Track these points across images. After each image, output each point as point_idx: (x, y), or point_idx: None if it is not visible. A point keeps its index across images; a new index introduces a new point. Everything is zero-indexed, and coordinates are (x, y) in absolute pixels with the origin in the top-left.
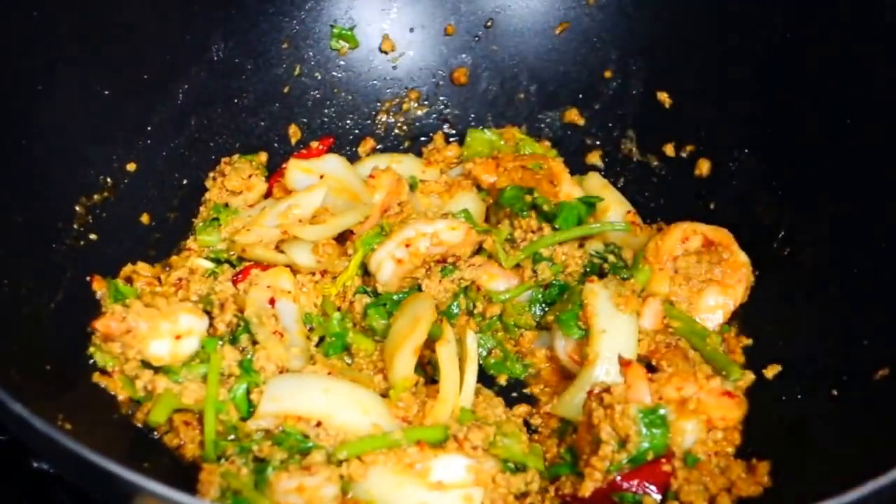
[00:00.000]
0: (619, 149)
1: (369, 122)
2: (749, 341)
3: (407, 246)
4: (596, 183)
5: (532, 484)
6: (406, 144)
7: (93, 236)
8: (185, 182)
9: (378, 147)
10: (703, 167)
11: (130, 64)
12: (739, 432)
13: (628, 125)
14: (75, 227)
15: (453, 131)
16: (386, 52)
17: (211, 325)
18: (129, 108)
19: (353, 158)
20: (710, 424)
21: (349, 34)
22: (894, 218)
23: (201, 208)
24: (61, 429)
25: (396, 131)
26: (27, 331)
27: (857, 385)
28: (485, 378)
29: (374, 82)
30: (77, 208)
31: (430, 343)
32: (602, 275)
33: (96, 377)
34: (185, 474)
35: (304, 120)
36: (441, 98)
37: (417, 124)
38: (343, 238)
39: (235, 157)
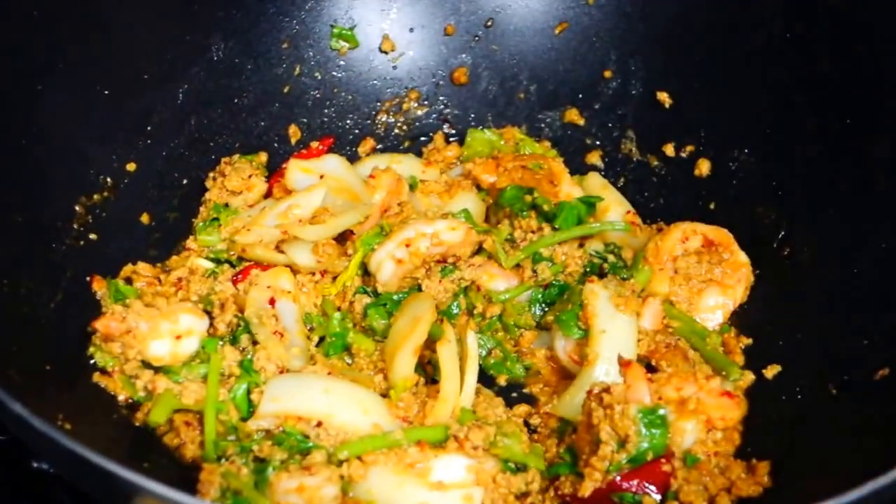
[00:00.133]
0: (619, 149)
1: (369, 122)
2: (749, 341)
3: (407, 246)
4: (596, 183)
5: (532, 484)
6: (406, 144)
7: (93, 236)
8: (185, 182)
9: (378, 147)
10: (703, 167)
11: (131, 64)
12: (739, 432)
13: (628, 125)
14: (75, 226)
15: (453, 131)
16: (386, 52)
17: (211, 325)
18: (129, 108)
19: (353, 158)
20: (709, 424)
21: (349, 34)
22: (894, 218)
23: (201, 208)
24: (61, 429)
25: (396, 131)
26: (27, 331)
27: (857, 385)
28: (484, 378)
29: (374, 82)
30: (77, 208)
31: (431, 343)
32: (602, 275)
33: (96, 377)
34: (185, 474)
35: (304, 120)
36: (441, 98)
37: (417, 124)
38: (343, 238)
39: (235, 157)
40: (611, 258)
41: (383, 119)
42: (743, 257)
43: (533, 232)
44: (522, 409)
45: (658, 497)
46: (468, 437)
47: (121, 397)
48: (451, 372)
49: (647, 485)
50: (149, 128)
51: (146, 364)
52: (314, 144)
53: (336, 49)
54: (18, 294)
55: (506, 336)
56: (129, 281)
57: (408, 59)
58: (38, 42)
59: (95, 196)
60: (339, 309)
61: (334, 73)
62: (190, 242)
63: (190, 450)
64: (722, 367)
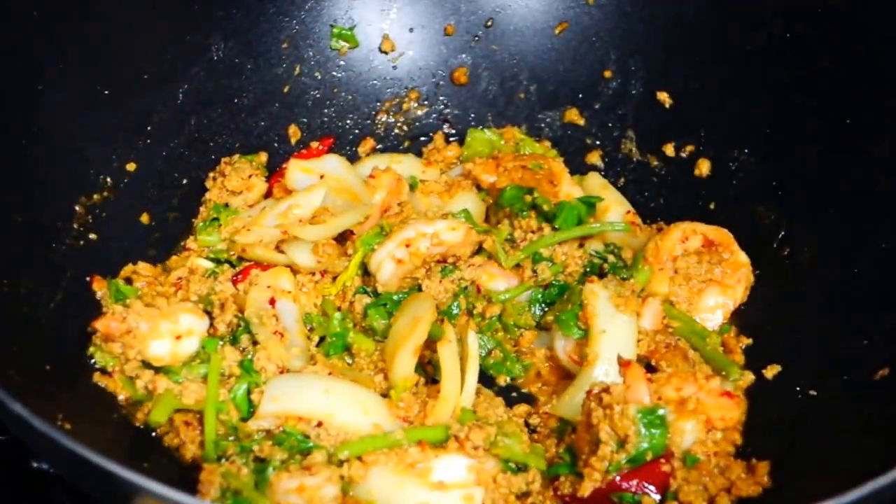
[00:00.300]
0: (619, 149)
1: (369, 121)
2: (749, 341)
3: (407, 246)
4: (596, 183)
5: (533, 484)
6: (406, 144)
7: (93, 236)
8: (184, 182)
9: (378, 147)
10: (703, 167)
11: (130, 64)
12: (739, 432)
13: (628, 125)
14: (75, 226)
15: (453, 131)
16: (386, 52)
17: (211, 325)
18: (129, 108)
19: (353, 158)
20: (709, 425)
21: (349, 34)
22: (894, 218)
23: (201, 208)
24: (61, 429)
25: (396, 131)
26: (27, 331)
27: (857, 385)
28: (484, 378)
29: (374, 82)
30: (77, 208)
31: (431, 343)
32: (602, 275)
33: (96, 377)
34: (185, 474)
35: (304, 120)
36: (441, 98)
37: (417, 124)
38: (343, 238)
39: (236, 157)
40: (611, 258)
41: (383, 119)
42: (743, 257)
43: (533, 232)
44: (523, 408)
45: (657, 497)
46: (469, 437)
47: (121, 397)
48: (452, 372)
49: (646, 485)
50: (149, 128)
51: (146, 364)
52: (314, 144)
53: (336, 49)
54: (18, 294)
55: (506, 336)
56: (129, 281)
57: (408, 59)
58: (38, 42)
59: (95, 196)
60: (339, 309)
61: (334, 73)
62: (190, 242)
63: (190, 450)
64: (722, 367)
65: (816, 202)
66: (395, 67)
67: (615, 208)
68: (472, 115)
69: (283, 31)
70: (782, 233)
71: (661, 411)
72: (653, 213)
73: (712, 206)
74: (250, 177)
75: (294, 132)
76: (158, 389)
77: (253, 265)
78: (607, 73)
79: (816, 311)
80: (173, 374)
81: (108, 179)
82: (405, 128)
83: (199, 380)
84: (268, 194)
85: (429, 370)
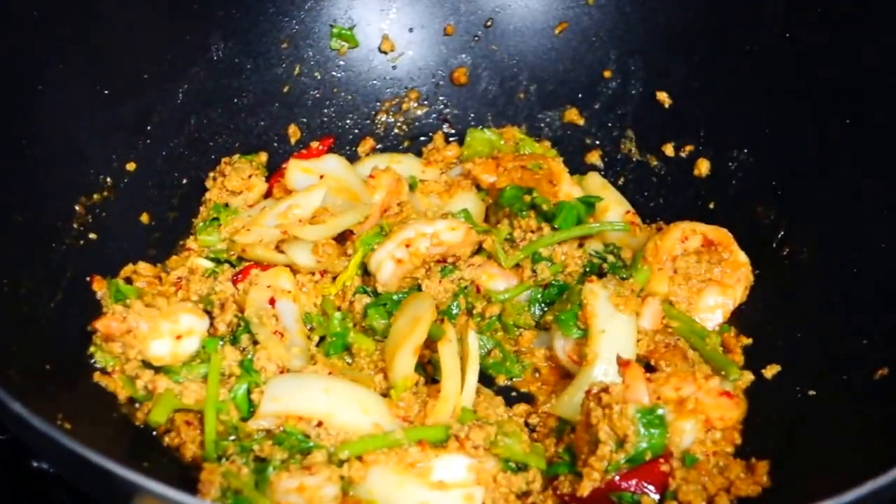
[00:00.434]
0: (618, 149)
1: (369, 121)
2: (749, 341)
3: (407, 246)
4: (595, 183)
5: (533, 483)
6: (406, 144)
7: (93, 236)
8: (184, 182)
9: (378, 147)
10: (703, 167)
11: (130, 64)
12: (738, 432)
13: (628, 125)
14: (75, 226)
15: (453, 131)
16: (385, 52)
17: (211, 325)
18: (129, 108)
19: (352, 158)
20: (708, 424)
21: (349, 34)
22: (894, 218)
23: (201, 208)
24: (61, 429)
25: (396, 131)
26: (27, 331)
27: (857, 385)
28: (483, 378)
29: (374, 82)
30: (77, 208)
31: (430, 343)
32: (601, 275)
33: (97, 377)
34: (185, 474)
35: (304, 120)
36: (441, 98)
37: (417, 124)
38: (343, 238)
39: (236, 157)
40: (610, 258)
41: (383, 119)
42: (742, 257)
43: (532, 232)
44: (522, 408)
45: (656, 497)
46: (469, 437)
47: (121, 397)
48: (453, 371)
49: (645, 484)
50: (149, 128)
51: (147, 364)
52: (314, 144)
53: (336, 49)
54: (18, 294)
55: (505, 336)
56: (129, 281)
57: (407, 59)
58: (38, 42)
59: (95, 196)
60: (339, 309)
61: (334, 73)
62: (190, 242)
63: (190, 449)
64: (721, 366)
65: (816, 202)
66: (394, 67)
67: (615, 208)
68: (472, 115)
69: (283, 31)
70: (782, 233)
71: (660, 411)
72: (652, 213)
73: (712, 206)
74: (250, 177)
75: (294, 132)
76: (159, 389)
77: (253, 265)
78: (607, 73)
79: (816, 311)
80: (173, 374)
81: (108, 179)
82: (405, 128)
83: (199, 379)
84: (268, 194)
85: (429, 370)
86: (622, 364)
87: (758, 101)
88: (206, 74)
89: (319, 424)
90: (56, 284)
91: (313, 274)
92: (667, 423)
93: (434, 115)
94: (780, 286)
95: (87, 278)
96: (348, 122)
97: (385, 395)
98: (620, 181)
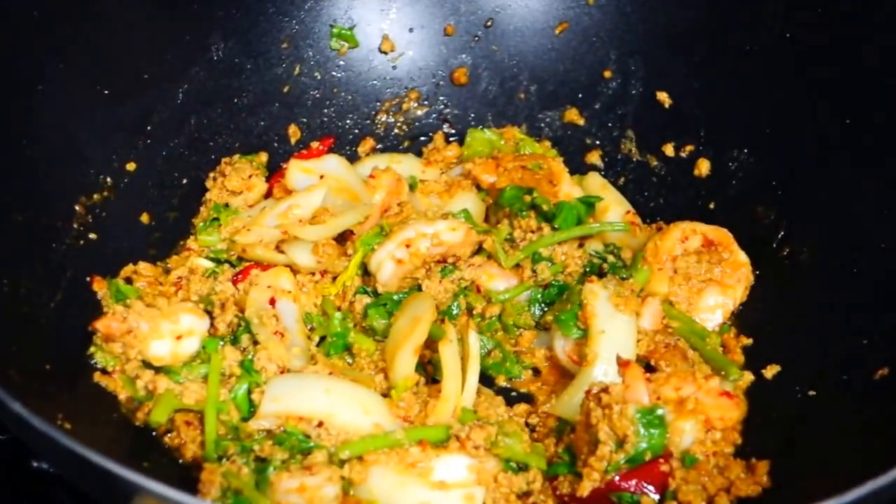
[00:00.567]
0: (618, 149)
1: (369, 121)
2: (749, 341)
3: (407, 246)
4: (596, 183)
5: (534, 483)
6: (406, 144)
7: (93, 236)
8: (184, 181)
9: (378, 147)
10: (703, 167)
11: (130, 64)
12: (738, 432)
13: (628, 125)
14: (75, 226)
15: (453, 131)
16: (385, 53)
17: (212, 325)
18: (129, 108)
19: (352, 158)
20: (708, 425)
21: (349, 34)
22: (894, 218)
23: (202, 208)
24: (61, 429)
25: (396, 131)
26: (27, 331)
27: (857, 385)
28: (483, 378)
29: (374, 82)
30: (77, 208)
31: (431, 343)
32: (601, 275)
33: (97, 377)
34: (185, 474)
35: (304, 120)
36: (441, 98)
37: (417, 124)
38: (343, 238)
39: (236, 157)
40: (610, 258)
41: (383, 119)
42: (743, 257)
43: (532, 232)
44: (523, 408)
45: (656, 497)
46: (470, 437)
47: (122, 397)
48: (453, 371)
49: (645, 485)
50: (149, 128)
51: (147, 364)
52: (314, 144)
53: (336, 49)
54: (18, 294)
55: (505, 336)
56: (129, 281)
57: (407, 59)
58: (38, 42)
59: (95, 196)
60: (339, 309)
61: (334, 73)
62: (190, 242)
63: (190, 450)
64: (721, 367)
65: (816, 202)
66: (394, 67)
67: (615, 208)
68: (472, 115)
69: (283, 31)
70: (782, 233)
71: (659, 411)
72: (652, 213)
73: (712, 206)
74: (250, 177)
75: (294, 132)
76: (159, 389)
77: (253, 265)
78: (607, 73)
79: (816, 311)
80: (174, 374)
81: (108, 179)
82: (405, 128)
83: (199, 380)
84: (268, 194)
85: (429, 370)
86: (622, 364)
87: (758, 101)
88: (206, 74)
89: (320, 424)
90: (56, 284)
91: (313, 274)
92: (666, 424)
93: (434, 116)
94: (780, 286)
95: (87, 278)
96: (348, 122)
97: (386, 395)
98: (620, 181)
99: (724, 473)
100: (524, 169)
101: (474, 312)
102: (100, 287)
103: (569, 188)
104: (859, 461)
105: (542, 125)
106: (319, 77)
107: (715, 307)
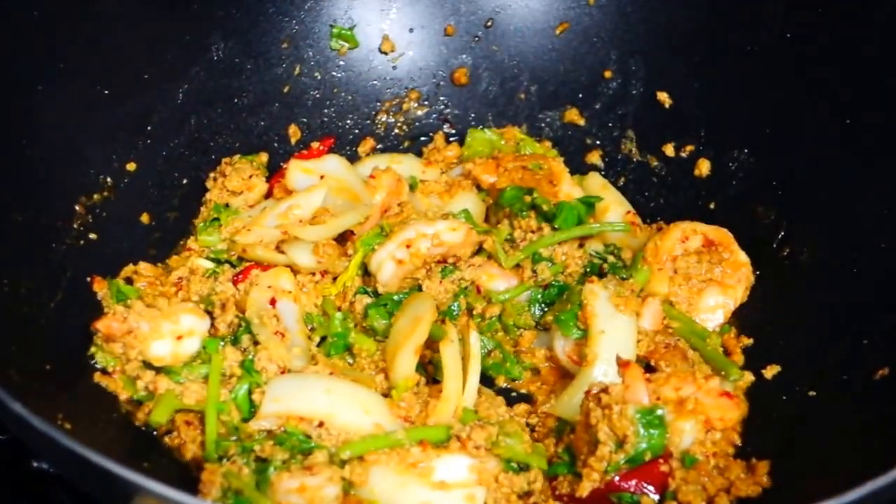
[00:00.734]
0: (619, 149)
1: (369, 122)
2: (749, 341)
3: (408, 247)
4: (596, 183)
5: (535, 483)
6: (406, 144)
7: (93, 236)
8: (184, 182)
9: (378, 147)
10: (703, 167)
11: (130, 64)
12: (738, 433)
13: (628, 125)
14: (75, 226)
15: (453, 131)
16: (386, 53)
17: (212, 325)
18: (129, 108)
19: (353, 158)
20: (708, 425)
21: (349, 34)
22: (894, 218)
23: (202, 208)
24: (61, 429)
25: (396, 131)
26: (27, 331)
27: (857, 385)
28: (483, 378)
29: (374, 82)
30: (77, 208)
31: (431, 343)
32: (602, 275)
33: (97, 377)
34: (185, 474)
35: (304, 120)
36: (441, 98)
37: (417, 124)
38: (343, 238)
39: (236, 157)
40: (610, 258)
41: (383, 119)
42: (743, 257)
43: (533, 232)
44: (523, 408)
45: (656, 497)
46: (470, 437)
47: (122, 397)
48: (454, 371)
49: (645, 485)
50: (149, 128)
51: (147, 364)
52: (315, 145)
53: (336, 49)
54: (18, 294)
55: (505, 337)
56: (129, 281)
57: (408, 59)
58: (38, 42)
59: (95, 196)
60: (339, 309)
61: (334, 73)
62: (190, 242)
63: (191, 450)
64: (721, 367)
65: (816, 202)
66: (394, 68)
67: (615, 208)
68: (473, 115)
69: (283, 31)
70: (782, 233)
71: (659, 411)
72: (653, 213)
73: (712, 206)
74: (251, 177)
75: (294, 132)
76: (159, 390)
77: (253, 265)
78: (607, 74)
79: (816, 311)
80: (174, 375)
81: (108, 179)
82: (405, 128)
83: (200, 380)
84: (268, 195)
85: (430, 370)
86: (622, 364)
87: (758, 101)
88: (206, 74)
89: (321, 425)
90: (56, 284)
91: (314, 274)
92: (666, 424)
93: (434, 116)
94: (780, 286)
95: (88, 278)
96: (349, 122)
97: (386, 395)
98: (621, 181)
99: (724, 474)
100: (524, 169)
101: (474, 313)
102: (100, 287)
103: (569, 188)
104: (859, 461)
105: (543, 125)
106: (319, 77)
107: (715, 307)
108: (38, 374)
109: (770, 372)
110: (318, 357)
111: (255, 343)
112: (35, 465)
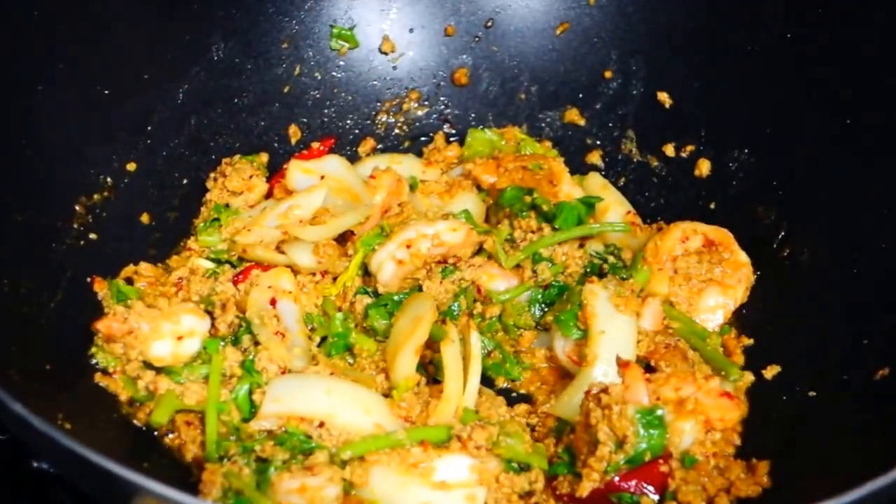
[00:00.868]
0: (619, 149)
1: (369, 122)
2: (749, 341)
3: (408, 247)
4: (596, 183)
5: (536, 483)
6: (406, 144)
7: (93, 236)
8: (185, 182)
9: (378, 147)
10: (703, 167)
11: (131, 64)
12: (738, 433)
13: (628, 125)
14: (75, 226)
15: (454, 131)
16: (386, 53)
17: (212, 325)
18: (129, 108)
19: (353, 158)
20: (708, 425)
21: (349, 34)
22: (894, 218)
23: (202, 209)
24: (61, 429)
25: (396, 131)
26: (27, 331)
27: (857, 385)
28: (483, 379)
29: (374, 82)
30: (77, 208)
31: (432, 343)
32: (602, 275)
33: (97, 377)
34: (185, 474)
35: (304, 120)
36: (441, 98)
37: (418, 124)
38: (343, 238)
39: (236, 157)
40: (610, 259)
41: (383, 119)
42: (743, 257)
43: (533, 232)
44: (524, 408)
45: (656, 497)
46: (471, 437)
47: (122, 397)
48: (455, 372)
49: (644, 485)
50: (149, 128)
51: (148, 364)
52: (315, 145)
53: (336, 49)
54: (18, 294)
55: (505, 338)
56: (129, 281)
57: (408, 59)
58: (38, 42)
59: (95, 196)
60: (340, 309)
61: (334, 74)
62: (190, 242)
63: (191, 450)
64: (721, 367)
65: (816, 202)
66: (395, 68)
67: (615, 208)
68: (473, 116)
69: (283, 31)
70: (782, 233)
71: (659, 412)
72: (653, 213)
73: (712, 206)
74: (251, 177)
75: (294, 132)
76: (160, 390)
77: (253, 265)
78: (608, 74)
79: (816, 311)
80: (175, 375)
81: (108, 179)
82: (405, 128)
83: (200, 380)
84: (268, 195)
85: (430, 370)
86: (622, 365)
87: (758, 101)
88: (206, 74)
89: (321, 425)
90: (56, 284)
91: (314, 274)
92: (666, 424)
93: (435, 116)
94: (781, 286)
95: (88, 278)
96: (349, 122)
97: (387, 395)
98: (621, 181)
99: (724, 474)
100: (525, 169)
101: (474, 313)
102: (100, 287)
103: (569, 188)
104: (859, 461)
105: (543, 125)
106: (320, 77)
107: (715, 307)
108: (38, 374)
109: (770, 372)
110: (319, 357)
111: (256, 343)
112: (35, 465)
